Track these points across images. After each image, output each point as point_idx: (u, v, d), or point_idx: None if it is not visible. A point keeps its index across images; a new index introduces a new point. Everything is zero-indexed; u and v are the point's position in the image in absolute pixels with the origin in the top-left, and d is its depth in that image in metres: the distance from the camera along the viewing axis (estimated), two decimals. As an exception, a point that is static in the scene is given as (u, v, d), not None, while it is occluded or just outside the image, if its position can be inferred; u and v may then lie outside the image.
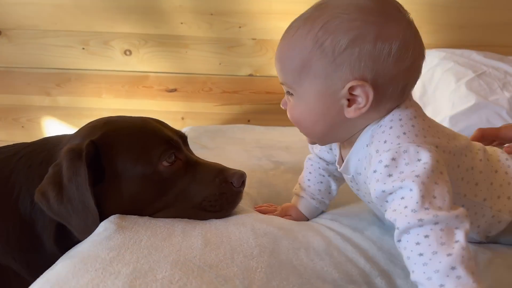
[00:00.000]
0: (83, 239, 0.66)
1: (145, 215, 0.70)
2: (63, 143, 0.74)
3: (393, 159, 0.56)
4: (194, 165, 0.75)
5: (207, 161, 0.77)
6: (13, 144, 0.79)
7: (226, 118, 1.99)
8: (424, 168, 0.54)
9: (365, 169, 0.64)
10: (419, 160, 0.55)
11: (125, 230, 0.63)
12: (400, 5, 0.62)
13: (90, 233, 0.66)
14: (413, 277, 0.50)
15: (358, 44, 0.58)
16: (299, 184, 0.85)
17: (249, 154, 1.24)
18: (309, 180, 0.83)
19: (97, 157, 0.69)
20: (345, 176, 0.74)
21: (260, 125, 1.76)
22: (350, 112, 0.62)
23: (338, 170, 0.73)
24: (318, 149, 0.82)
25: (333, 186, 0.83)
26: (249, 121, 1.98)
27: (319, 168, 0.82)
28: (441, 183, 0.54)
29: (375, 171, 0.58)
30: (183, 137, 0.79)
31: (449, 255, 0.48)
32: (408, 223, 0.51)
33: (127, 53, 1.91)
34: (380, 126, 0.62)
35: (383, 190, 0.56)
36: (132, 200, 0.70)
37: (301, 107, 0.65)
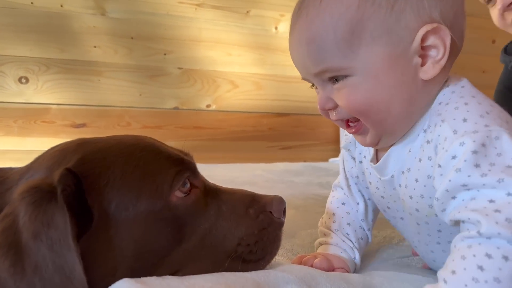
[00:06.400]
0: None
1: (161, 275, 0.45)
2: (11, 180, 0.48)
3: (483, 145, 0.44)
4: (216, 194, 0.53)
5: (228, 188, 0.56)
6: None
7: (147, 157, 1.74)
8: None
9: (420, 161, 0.51)
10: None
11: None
12: None
13: None
14: (448, 277, 0.40)
15: None
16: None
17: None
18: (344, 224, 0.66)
19: (77, 194, 0.44)
20: (373, 179, 0.60)
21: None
22: (428, 71, 0.50)
23: (372, 167, 0.58)
24: (349, 164, 0.67)
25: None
26: (174, 160, 1.75)
27: (357, 212, 0.66)
28: None
29: (454, 157, 0.45)
30: (191, 158, 0.56)
31: None
32: (499, 233, 0.39)
33: (23, 80, 1.58)
34: (445, 100, 0.51)
35: (464, 183, 0.44)
36: (138, 254, 0.45)
37: (367, 85, 0.50)
